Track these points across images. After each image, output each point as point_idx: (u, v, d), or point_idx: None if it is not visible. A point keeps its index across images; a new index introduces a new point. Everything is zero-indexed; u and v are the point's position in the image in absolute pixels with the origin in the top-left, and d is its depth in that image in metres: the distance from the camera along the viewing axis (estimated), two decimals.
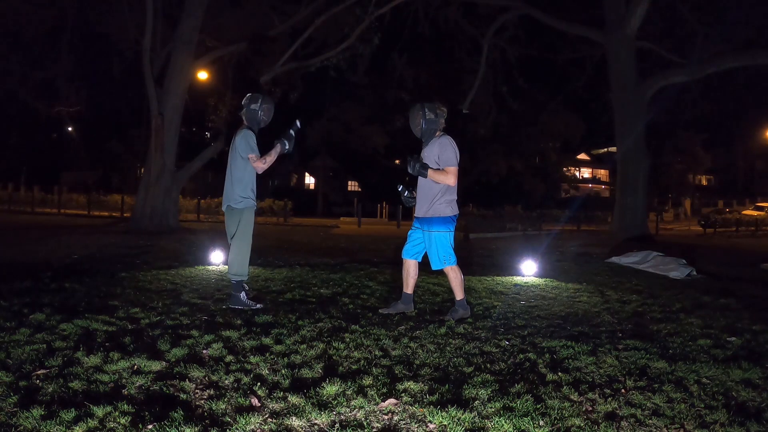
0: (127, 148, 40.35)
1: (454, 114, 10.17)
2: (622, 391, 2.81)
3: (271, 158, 4.59)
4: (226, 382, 2.76)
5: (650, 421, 2.43)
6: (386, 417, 2.40)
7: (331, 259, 9.02)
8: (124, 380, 2.72)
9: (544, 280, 7.09)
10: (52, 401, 2.41)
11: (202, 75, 18.37)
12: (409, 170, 4.46)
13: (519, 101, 23.56)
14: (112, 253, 8.52)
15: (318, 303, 4.99)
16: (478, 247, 13.52)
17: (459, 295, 4.52)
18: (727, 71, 15.56)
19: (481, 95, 19.03)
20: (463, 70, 20.86)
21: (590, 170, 63.20)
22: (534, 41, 19.94)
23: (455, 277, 4.52)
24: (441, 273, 4.86)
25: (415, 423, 2.35)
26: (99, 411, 2.30)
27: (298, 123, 4.78)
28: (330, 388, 2.68)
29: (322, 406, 2.47)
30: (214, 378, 2.81)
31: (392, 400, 2.57)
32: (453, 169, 4.39)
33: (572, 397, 2.71)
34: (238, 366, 3.02)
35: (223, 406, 2.44)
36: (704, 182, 64.63)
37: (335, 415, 2.40)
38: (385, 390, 2.70)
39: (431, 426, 2.33)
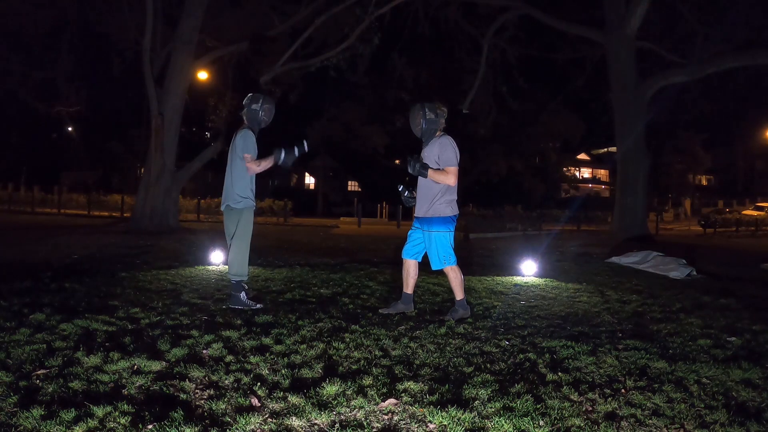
0: (127, 148, 40.34)
1: (454, 114, 10.17)
2: (622, 391, 2.81)
3: (265, 164, 4.58)
4: (226, 382, 2.76)
5: (650, 421, 2.43)
6: (386, 417, 2.40)
7: (331, 259, 9.02)
8: (124, 380, 2.72)
9: (544, 280, 7.09)
10: (52, 401, 2.41)
11: (202, 75, 18.37)
12: (409, 170, 4.45)
13: (519, 101, 23.59)
14: (112, 253, 8.52)
15: (318, 303, 4.99)
16: (478, 247, 13.52)
17: (459, 295, 4.52)
18: (727, 71, 15.58)
19: (481, 95, 19.04)
20: (463, 70, 20.84)
21: (590, 170, 63.22)
22: (534, 41, 19.96)
23: (455, 277, 4.52)
24: (441, 273, 4.86)
25: (415, 423, 2.35)
26: (99, 411, 2.30)
27: (306, 145, 4.71)
28: (330, 388, 2.68)
29: (322, 406, 2.47)
30: (214, 378, 2.81)
31: (392, 400, 2.57)
32: (453, 169, 4.39)
33: (572, 397, 2.71)
34: (238, 366, 3.02)
35: (223, 406, 2.44)
36: (704, 182, 64.65)
37: (335, 415, 2.40)
38: (385, 390, 2.70)
39: (431, 426, 2.33)
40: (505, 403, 2.57)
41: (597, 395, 2.74)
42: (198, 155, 16.13)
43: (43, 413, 2.26)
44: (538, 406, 2.55)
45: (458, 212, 4.54)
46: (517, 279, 7.14)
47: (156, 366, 2.94)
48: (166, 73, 15.10)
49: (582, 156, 59.56)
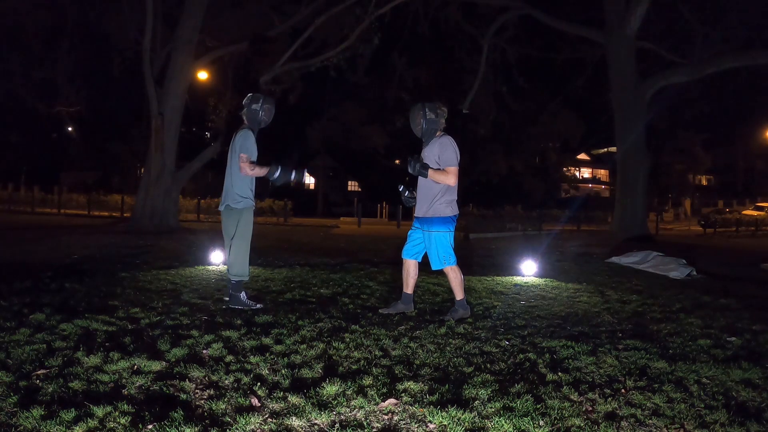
0: (127, 148, 40.34)
1: (454, 114, 10.18)
2: (622, 391, 2.81)
3: (258, 170, 4.55)
4: (226, 382, 2.76)
5: (650, 421, 2.43)
6: (386, 417, 2.40)
7: (331, 259, 9.02)
8: (124, 380, 2.72)
9: (544, 280, 7.09)
10: (52, 401, 2.41)
11: (202, 75, 18.36)
12: (410, 170, 4.45)
13: (519, 101, 23.60)
14: (112, 253, 8.52)
15: (318, 303, 4.99)
16: (478, 247, 13.52)
17: (459, 295, 4.52)
18: (727, 71, 15.58)
19: (481, 95, 19.04)
20: (463, 70, 20.83)
21: (590, 170, 63.22)
22: (534, 41, 19.94)
23: (455, 277, 4.52)
24: (441, 273, 4.86)
25: (415, 423, 2.35)
26: (99, 411, 2.30)
27: (305, 174, 4.68)
28: (330, 388, 2.68)
29: (322, 406, 2.47)
30: (214, 378, 2.81)
31: (392, 400, 2.57)
32: (453, 169, 4.39)
33: (572, 397, 2.71)
34: (238, 366, 3.02)
35: (223, 406, 2.44)
36: (704, 182, 64.65)
37: (335, 415, 2.40)
38: (385, 390, 2.70)
39: (431, 426, 2.33)
40: (505, 403, 2.57)
41: (597, 395, 2.74)
42: (198, 155, 16.13)
43: (43, 413, 2.26)
44: (538, 406, 2.55)
45: (458, 212, 4.54)
46: (517, 279, 7.14)
47: (156, 366, 2.94)
48: (166, 73, 15.09)
49: (582, 156, 59.54)
